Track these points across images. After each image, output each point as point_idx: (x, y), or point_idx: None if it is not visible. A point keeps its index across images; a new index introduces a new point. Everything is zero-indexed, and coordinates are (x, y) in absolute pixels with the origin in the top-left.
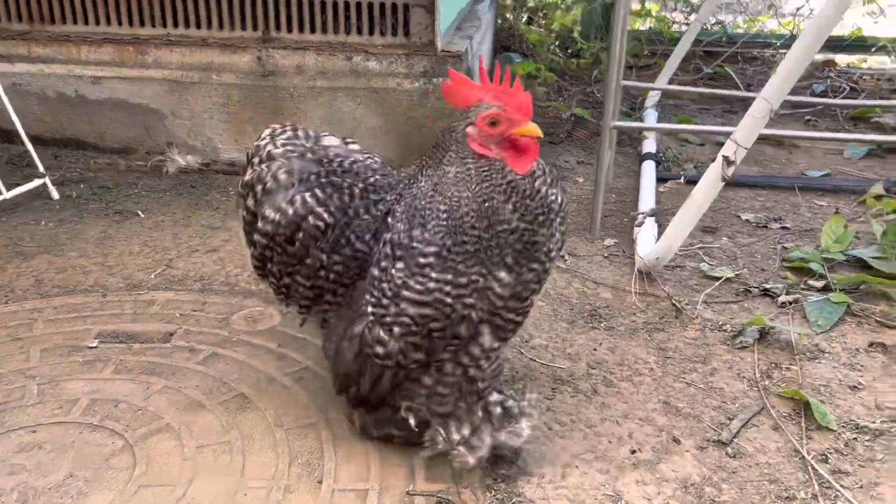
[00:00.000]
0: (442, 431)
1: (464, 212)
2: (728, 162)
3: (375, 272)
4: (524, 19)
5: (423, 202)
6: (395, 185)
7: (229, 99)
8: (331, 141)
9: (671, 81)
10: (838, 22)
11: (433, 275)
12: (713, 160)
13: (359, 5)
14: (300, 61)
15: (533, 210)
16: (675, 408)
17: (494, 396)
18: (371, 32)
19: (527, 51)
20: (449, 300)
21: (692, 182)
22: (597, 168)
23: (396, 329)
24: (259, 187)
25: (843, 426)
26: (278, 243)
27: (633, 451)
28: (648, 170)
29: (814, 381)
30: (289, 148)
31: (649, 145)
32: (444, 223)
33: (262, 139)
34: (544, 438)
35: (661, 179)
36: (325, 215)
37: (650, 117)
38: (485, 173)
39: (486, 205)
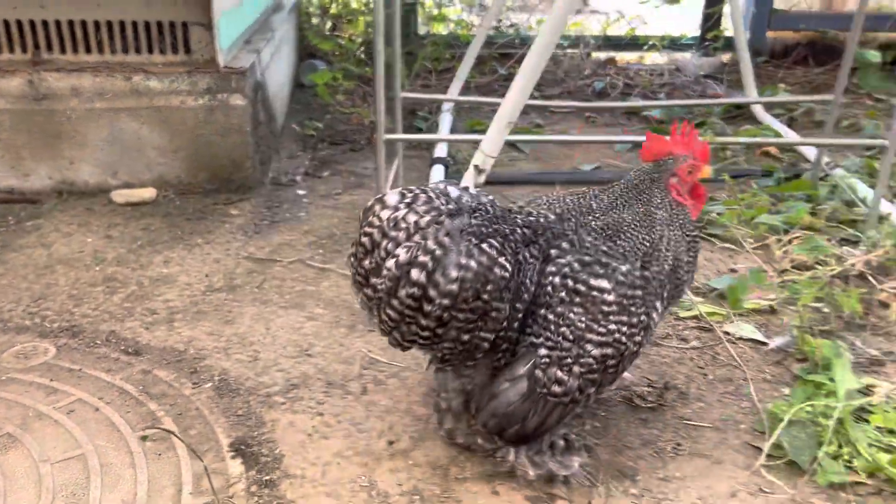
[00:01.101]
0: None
1: (668, 254)
2: (478, 170)
3: (550, 316)
4: (329, 26)
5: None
6: (544, 225)
7: (0, 125)
8: (452, 189)
9: (467, 84)
10: (553, 46)
11: (613, 318)
12: (501, 161)
13: (135, 24)
14: (76, 83)
15: (695, 251)
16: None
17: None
18: (151, 51)
19: (332, 58)
20: (625, 339)
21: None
22: (376, 180)
23: (576, 368)
24: (425, 258)
25: None
26: (464, 300)
27: (391, 443)
28: (436, 174)
29: None
30: (432, 212)
31: (440, 149)
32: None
33: (387, 210)
34: (309, 442)
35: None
36: (508, 265)
37: (444, 121)
38: (685, 218)
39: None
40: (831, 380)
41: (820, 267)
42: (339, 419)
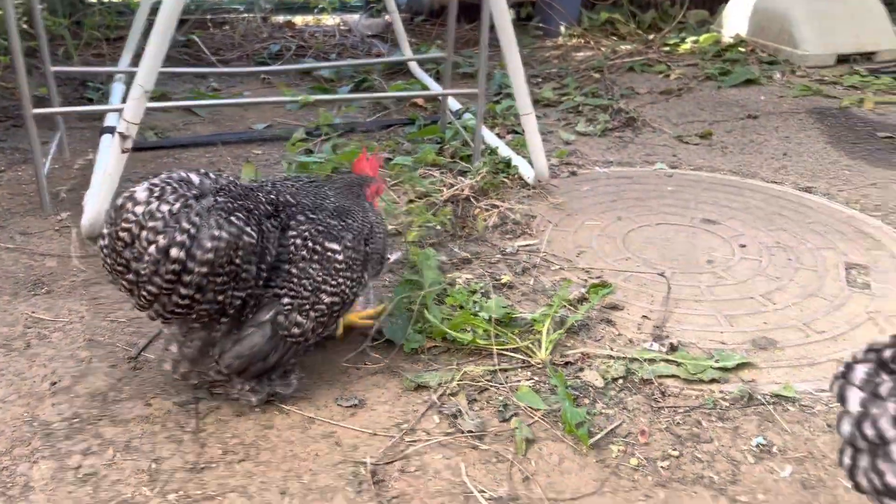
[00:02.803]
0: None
1: (378, 235)
2: (123, 137)
3: (294, 270)
4: None
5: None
6: (284, 203)
7: None
8: (192, 176)
9: (139, 51)
10: (179, 9)
11: (342, 274)
12: (177, 126)
13: None
14: None
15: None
16: (97, 342)
17: None
18: None
19: None
20: (348, 291)
21: (145, 148)
22: (34, 154)
23: (312, 314)
24: (182, 237)
25: None
26: (219, 265)
27: (54, 384)
28: (104, 144)
29: None
30: (181, 199)
31: (110, 118)
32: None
33: (140, 205)
34: None
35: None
36: (253, 233)
37: (116, 91)
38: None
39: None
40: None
41: (434, 195)
42: (3, 373)
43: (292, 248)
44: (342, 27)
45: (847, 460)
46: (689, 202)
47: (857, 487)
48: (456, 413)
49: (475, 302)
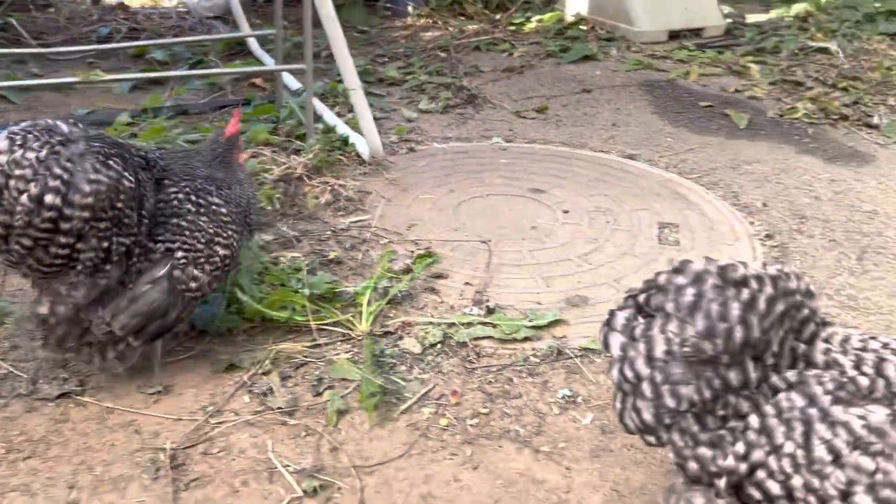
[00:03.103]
0: None
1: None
2: None
3: (184, 223)
4: None
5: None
6: (155, 158)
7: None
8: (61, 126)
9: None
10: None
11: (230, 227)
12: None
13: None
14: None
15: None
16: None
17: None
18: None
19: None
20: (236, 244)
21: None
22: None
23: (208, 267)
24: (55, 183)
25: None
26: (101, 209)
27: None
28: None
29: None
30: (47, 146)
31: None
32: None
33: (2, 155)
34: None
35: None
36: (132, 177)
37: None
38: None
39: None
40: None
41: (266, 174)
42: None
43: (175, 202)
44: (180, 9)
45: (618, 404)
46: (520, 173)
47: (627, 429)
48: (267, 391)
49: (299, 279)
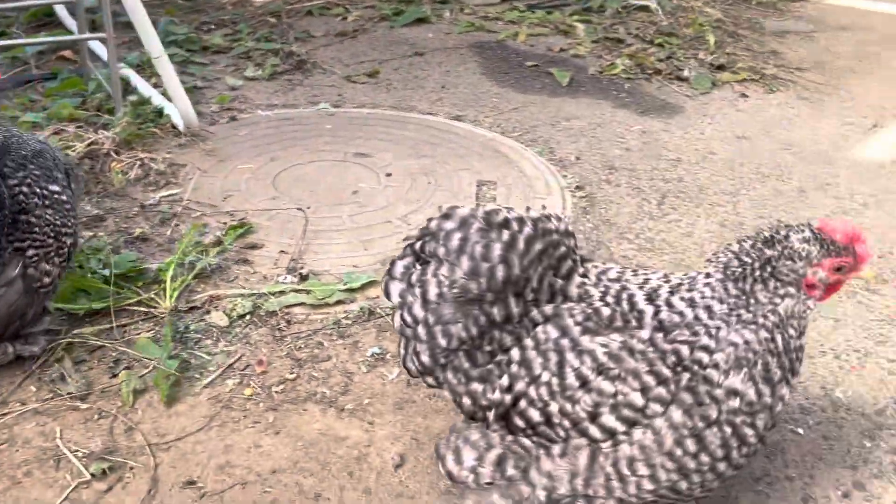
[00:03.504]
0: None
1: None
2: None
3: (32, 219)
4: None
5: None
6: None
7: None
8: None
9: None
10: None
11: (71, 214)
12: None
13: None
14: None
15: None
16: None
17: None
18: None
19: None
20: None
21: None
22: None
23: (57, 259)
24: None
25: None
26: None
27: None
28: None
29: None
30: None
31: None
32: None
33: None
34: None
35: None
36: None
37: None
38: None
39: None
40: None
41: (69, 152)
42: None
43: (21, 196)
44: None
45: (401, 350)
46: (345, 138)
47: (410, 373)
48: (57, 378)
49: (100, 260)
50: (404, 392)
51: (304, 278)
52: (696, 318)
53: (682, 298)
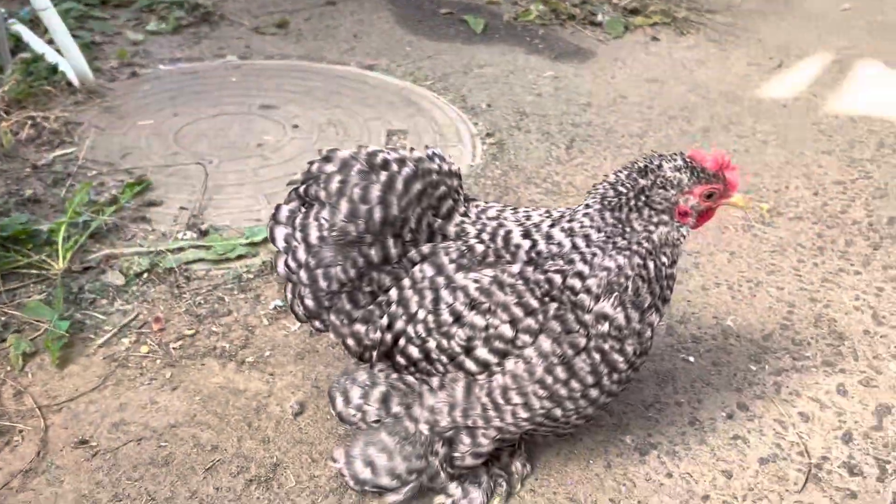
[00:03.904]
0: None
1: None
2: None
3: None
4: None
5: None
6: None
7: None
8: None
9: None
10: None
11: None
12: None
13: None
14: None
15: None
16: None
17: None
18: None
19: None
20: None
21: None
22: None
23: None
24: None
25: None
26: None
27: None
28: None
29: None
30: None
31: None
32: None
33: None
34: None
35: None
36: None
37: None
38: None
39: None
40: None
41: None
42: None
43: None
44: None
45: (288, 295)
46: (252, 91)
47: (298, 318)
48: None
49: None
50: (307, 342)
51: (204, 234)
52: (574, 246)
53: (562, 229)
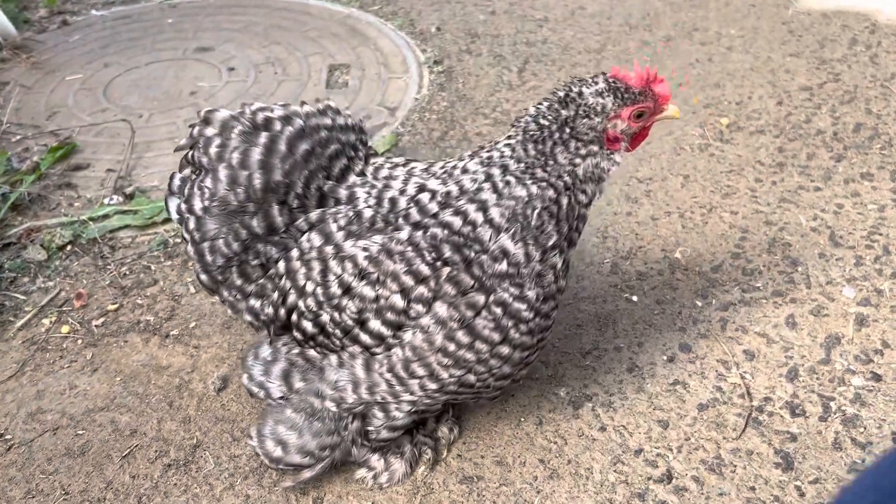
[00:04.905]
0: None
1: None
2: None
3: None
4: None
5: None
6: None
7: None
8: None
9: None
10: None
11: None
12: None
13: None
14: None
15: None
16: None
17: None
18: None
19: None
20: None
21: None
22: None
23: None
24: None
25: None
26: None
27: None
28: None
29: None
30: None
31: None
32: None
33: None
34: None
35: None
36: None
37: None
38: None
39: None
40: None
41: None
42: None
43: None
44: None
45: (198, 267)
46: (187, 33)
47: (203, 286)
48: None
49: None
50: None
51: (129, 197)
52: (488, 175)
53: (479, 161)
